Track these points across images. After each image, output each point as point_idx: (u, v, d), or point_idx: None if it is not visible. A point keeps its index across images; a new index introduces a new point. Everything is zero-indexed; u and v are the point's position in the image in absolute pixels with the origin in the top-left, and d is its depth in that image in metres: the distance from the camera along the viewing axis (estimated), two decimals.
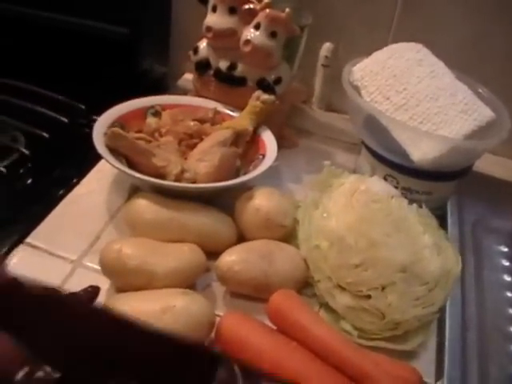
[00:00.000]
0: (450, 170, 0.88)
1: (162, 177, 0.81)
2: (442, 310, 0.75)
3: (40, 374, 0.57)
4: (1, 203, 0.86)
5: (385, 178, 0.88)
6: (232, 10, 0.94)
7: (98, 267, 0.75)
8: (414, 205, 0.81)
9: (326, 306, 0.74)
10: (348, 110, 0.99)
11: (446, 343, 0.74)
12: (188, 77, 1.20)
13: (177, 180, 0.81)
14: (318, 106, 1.16)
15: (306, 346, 0.64)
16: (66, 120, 1.03)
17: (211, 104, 0.98)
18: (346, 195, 0.79)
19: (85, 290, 0.64)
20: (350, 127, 1.04)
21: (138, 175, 0.79)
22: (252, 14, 0.93)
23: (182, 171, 0.82)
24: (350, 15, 1.09)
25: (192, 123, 0.92)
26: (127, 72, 1.12)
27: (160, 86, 1.21)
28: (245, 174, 0.86)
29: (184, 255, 0.73)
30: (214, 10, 0.95)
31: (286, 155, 0.96)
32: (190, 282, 0.74)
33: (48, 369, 0.57)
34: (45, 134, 0.99)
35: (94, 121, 1.02)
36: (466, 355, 0.74)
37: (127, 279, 0.71)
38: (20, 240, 0.80)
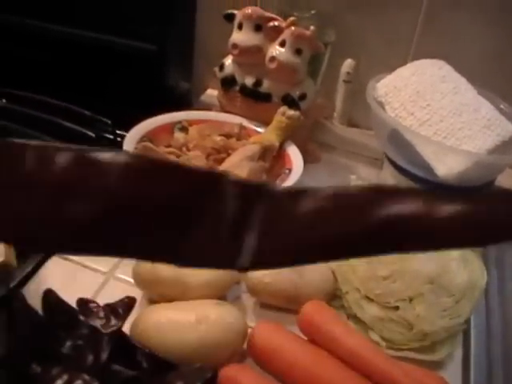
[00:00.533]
0: (474, 184, 0.89)
1: None
2: (467, 321, 0.76)
3: (79, 382, 0.59)
4: None
5: None
6: (258, 28, 0.96)
7: (130, 279, 0.76)
8: None
9: (353, 317, 0.75)
10: (372, 125, 1.00)
11: (472, 353, 0.75)
12: (211, 92, 1.22)
13: None
14: (340, 121, 1.17)
15: (338, 356, 0.65)
16: (92, 134, 1.05)
17: (237, 119, 1.00)
18: None
19: (121, 301, 0.65)
20: (372, 142, 1.06)
21: None
22: (277, 31, 0.95)
23: None
24: (371, 32, 1.11)
25: (219, 138, 0.94)
26: (153, 88, 1.13)
27: (184, 101, 1.22)
28: None
29: None
30: (240, 27, 0.97)
31: (310, 169, 0.97)
32: (221, 293, 0.75)
33: (86, 376, 0.59)
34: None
35: (121, 135, 1.04)
36: (492, 364, 0.75)
37: (161, 290, 0.72)
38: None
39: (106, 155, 0.32)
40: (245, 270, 0.32)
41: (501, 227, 0.31)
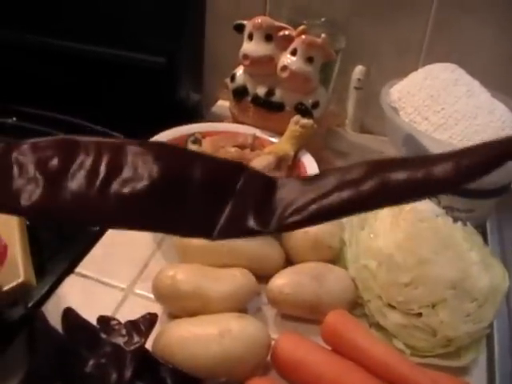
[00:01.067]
0: (491, 187, 0.88)
1: None
2: (490, 326, 0.75)
3: None
4: (48, 233, 0.86)
5: None
6: (268, 37, 0.96)
7: (149, 294, 0.76)
8: (459, 222, 0.82)
9: (376, 325, 0.74)
10: (386, 131, 1.00)
11: (496, 358, 0.74)
12: (222, 103, 1.23)
13: None
14: (352, 127, 1.17)
15: (363, 366, 0.64)
16: None
17: (250, 130, 1.00)
18: (392, 215, 0.79)
19: (143, 317, 0.65)
20: (385, 148, 1.06)
21: None
22: (288, 40, 0.94)
23: None
24: (381, 38, 1.11)
25: (233, 149, 0.93)
26: (164, 100, 1.13)
27: (195, 113, 1.22)
28: None
29: (236, 280, 0.73)
30: (251, 37, 0.97)
31: None
32: (242, 306, 0.74)
33: None
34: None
35: None
36: None
37: (182, 305, 0.72)
38: (70, 269, 0.82)
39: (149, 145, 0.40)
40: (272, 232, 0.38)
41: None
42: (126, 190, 0.39)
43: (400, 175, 0.38)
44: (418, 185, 0.38)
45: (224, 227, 0.37)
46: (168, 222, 0.39)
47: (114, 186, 0.39)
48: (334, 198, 0.37)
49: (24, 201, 0.38)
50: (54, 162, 0.40)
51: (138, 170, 0.39)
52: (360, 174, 0.38)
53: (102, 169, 0.40)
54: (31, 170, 0.40)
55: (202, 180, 0.39)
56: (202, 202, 0.38)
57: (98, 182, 0.39)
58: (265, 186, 0.39)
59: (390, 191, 0.38)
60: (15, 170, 0.40)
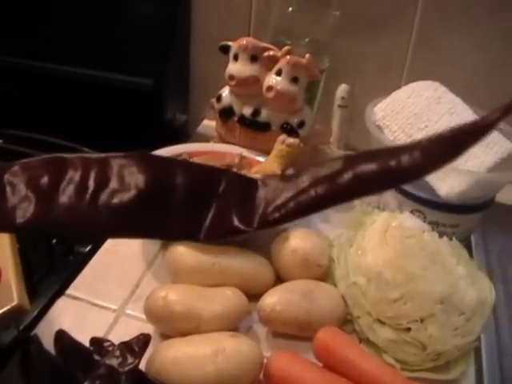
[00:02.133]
0: (477, 202, 0.90)
1: None
2: (478, 339, 0.76)
3: None
4: (38, 255, 0.86)
5: (411, 213, 0.90)
6: (253, 58, 0.97)
7: (141, 315, 0.76)
8: (445, 237, 0.83)
9: (366, 340, 0.75)
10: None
11: (484, 370, 0.76)
12: (207, 123, 1.23)
13: None
14: (337, 145, 1.18)
15: (356, 382, 0.65)
16: None
17: (237, 149, 1.01)
18: (379, 232, 0.80)
19: (136, 338, 0.65)
20: None
21: None
22: (273, 60, 0.96)
23: None
24: (364, 57, 1.12)
25: None
26: (150, 121, 1.14)
27: (181, 133, 1.23)
28: None
29: (228, 299, 0.74)
30: (236, 58, 0.98)
31: None
32: (234, 325, 0.75)
33: None
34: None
35: None
36: (505, 381, 0.76)
37: (175, 325, 0.72)
38: (61, 291, 0.82)
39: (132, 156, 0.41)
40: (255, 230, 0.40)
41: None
42: (114, 200, 0.40)
43: (372, 166, 0.39)
44: (390, 174, 0.40)
45: (210, 229, 0.39)
46: (157, 229, 0.41)
47: (103, 198, 0.40)
48: (311, 193, 0.39)
49: (19, 218, 0.40)
50: (44, 179, 0.41)
51: (125, 181, 0.41)
52: (334, 168, 0.40)
53: (91, 182, 0.41)
54: (23, 189, 0.41)
55: (186, 185, 0.41)
56: (188, 206, 0.40)
57: (87, 196, 0.40)
58: (246, 186, 0.41)
59: (364, 182, 0.40)
60: (8, 190, 0.41)
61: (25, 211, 0.40)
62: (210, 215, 0.40)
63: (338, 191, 0.40)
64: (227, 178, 0.42)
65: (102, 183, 0.41)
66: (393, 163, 0.40)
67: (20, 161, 0.44)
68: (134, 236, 0.43)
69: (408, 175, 0.41)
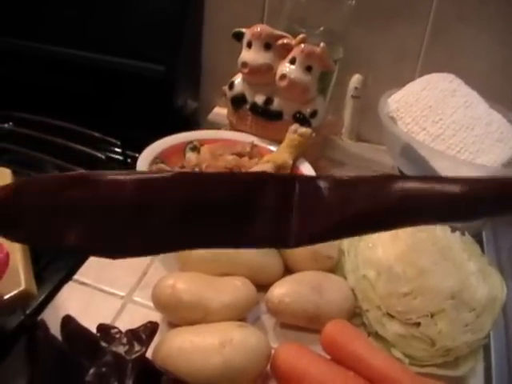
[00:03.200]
0: None
1: None
2: (487, 335, 0.75)
3: None
4: None
5: None
6: (267, 46, 0.96)
7: (148, 302, 0.76)
8: (457, 232, 0.82)
9: (374, 334, 0.74)
10: (384, 141, 1.00)
11: (493, 367, 0.75)
12: (218, 111, 1.22)
13: None
14: (349, 136, 1.17)
15: (364, 375, 0.64)
16: (101, 156, 1.04)
17: (248, 138, 1.00)
18: None
19: (144, 326, 0.64)
20: (382, 157, 1.06)
21: None
22: (287, 48, 0.95)
23: None
24: (378, 47, 1.11)
25: (231, 157, 0.93)
26: (161, 108, 1.13)
27: (192, 120, 1.23)
28: None
29: (237, 289, 0.73)
30: (249, 46, 0.97)
31: None
32: (242, 315, 0.74)
33: None
34: (82, 171, 0.99)
35: (130, 156, 1.04)
36: None
37: (182, 314, 0.72)
38: (68, 277, 0.81)
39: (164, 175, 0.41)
40: (291, 247, 0.41)
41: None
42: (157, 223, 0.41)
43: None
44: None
45: (247, 243, 0.40)
46: (196, 243, 0.42)
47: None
48: (358, 212, 0.39)
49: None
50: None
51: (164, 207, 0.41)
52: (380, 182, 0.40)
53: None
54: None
55: (224, 201, 0.40)
56: (228, 222, 0.40)
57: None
58: (285, 191, 0.41)
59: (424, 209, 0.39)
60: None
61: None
62: (248, 228, 0.40)
63: (385, 211, 0.39)
64: (265, 186, 0.41)
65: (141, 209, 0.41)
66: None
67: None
68: (176, 249, 0.46)
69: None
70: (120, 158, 1.07)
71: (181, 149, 0.96)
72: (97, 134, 1.09)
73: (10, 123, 1.13)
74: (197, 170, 0.92)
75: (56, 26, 1.15)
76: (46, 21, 1.16)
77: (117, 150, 1.09)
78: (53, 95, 1.16)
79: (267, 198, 0.40)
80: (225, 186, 0.41)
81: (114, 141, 1.09)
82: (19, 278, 0.65)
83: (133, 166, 0.88)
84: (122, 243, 0.42)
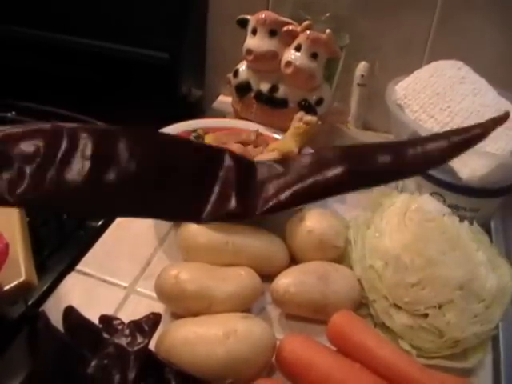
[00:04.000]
0: (498, 186, 0.87)
1: None
2: (496, 327, 0.74)
3: None
4: (48, 229, 0.85)
5: (431, 196, 0.88)
6: (272, 33, 0.95)
7: (152, 293, 0.75)
8: (466, 222, 0.81)
9: (381, 325, 0.73)
10: (391, 128, 0.99)
11: (502, 358, 0.74)
12: (223, 99, 1.22)
13: None
14: (355, 124, 1.16)
15: (371, 368, 0.63)
16: None
17: (253, 126, 0.99)
18: (398, 214, 0.78)
19: (146, 317, 0.64)
20: None
21: None
22: (292, 35, 0.94)
23: None
24: (385, 34, 1.10)
25: (235, 146, 0.92)
26: (166, 96, 1.12)
27: (196, 108, 1.22)
28: None
29: (242, 279, 0.72)
30: (254, 32, 0.96)
31: None
32: (247, 306, 0.73)
33: None
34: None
35: None
36: None
37: (186, 305, 0.71)
38: (70, 267, 0.81)
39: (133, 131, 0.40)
40: (257, 216, 0.39)
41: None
42: (111, 177, 0.39)
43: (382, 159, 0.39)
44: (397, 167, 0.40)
45: (211, 212, 0.38)
46: (157, 208, 0.40)
47: (102, 174, 0.39)
48: (310, 181, 0.39)
49: (11, 192, 0.38)
50: (38, 150, 0.39)
51: (124, 157, 0.39)
52: (332, 157, 0.40)
53: (88, 156, 0.39)
54: (17, 160, 0.39)
55: (187, 165, 0.40)
56: (189, 186, 0.39)
57: (84, 170, 0.38)
58: (246, 169, 0.41)
59: (366, 174, 0.40)
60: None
61: (18, 185, 0.38)
62: (211, 198, 0.39)
63: (335, 183, 0.39)
64: (227, 159, 0.41)
65: (100, 158, 0.39)
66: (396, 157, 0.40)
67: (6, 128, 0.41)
68: (132, 215, 0.41)
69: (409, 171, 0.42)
70: None
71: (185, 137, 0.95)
72: (100, 123, 1.08)
73: (13, 112, 1.12)
74: None
75: (59, 13, 1.14)
76: (48, 8, 1.15)
77: None
78: (55, 83, 1.15)
79: (225, 171, 0.41)
80: (188, 151, 0.41)
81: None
82: (20, 269, 0.64)
83: None
84: (65, 199, 0.39)
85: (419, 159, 0.38)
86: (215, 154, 0.40)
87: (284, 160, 0.43)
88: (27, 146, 0.39)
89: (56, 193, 0.37)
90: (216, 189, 0.39)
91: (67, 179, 0.37)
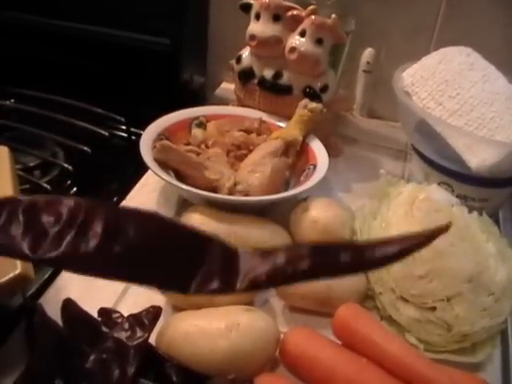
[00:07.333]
0: (508, 175, 0.86)
1: (215, 190, 0.80)
2: (505, 320, 0.73)
3: None
4: None
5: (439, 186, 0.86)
6: (276, 18, 0.93)
7: None
8: (475, 212, 0.79)
9: (388, 318, 0.72)
10: (398, 116, 0.97)
11: (511, 353, 0.72)
12: (226, 86, 1.20)
13: (230, 193, 0.80)
14: (360, 112, 1.15)
15: (377, 362, 0.62)
16: (105, 133, 1.02)
17: (256, 114, 0.98)
18: (405, 204, 0.77)
19: (146, 311, 0.62)
20: (394, 133, 1.04)
21: (195, 190, 0.78)
22: (297, 20, 0.92)
23: (235, 184, 0.80)
24: (392, 21, 1.09)
25: (238, 134, 0.91)
26: (167, 83, 1.11)
27: (198, 96, 1.21)
28: (295, 184, 0.85)
29: None
30: (258, 17, 0.94)
31: (332, 164, 0.93)
32: (249, 298, 0.72)
33: None
34: (85, 148, 0.97)
35: (134, 133, 1.01)
36: None
37: (188, 297, 0.69)
38: None
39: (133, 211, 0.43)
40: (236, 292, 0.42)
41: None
42: (118, 250, 0.41)
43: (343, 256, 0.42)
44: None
45: (196, 288, 0.41)
46: (151, 278, 0.43)
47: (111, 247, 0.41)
48: (288, 270, 0.41)
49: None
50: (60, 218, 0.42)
51: (129, 236, 0.42)
52: (305, 253, 0.42)
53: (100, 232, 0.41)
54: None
55: (179, 249, 0.42)
56: (179, 266, 0.42)
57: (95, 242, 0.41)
58: (230, 255, 0.43)
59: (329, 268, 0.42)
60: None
61: (40, 246, 0.40)
62: (198, 279, 0.41)
63: (310, 273, 0.42)
64: (215, 245, 0.43)
65: (110, 232, 0.41)
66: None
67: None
68: (130, 281, 0.44)
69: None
70: (124, 135, 1.06)
71: (186, 125, 0.94)
72: (100, 111, 1.07)
73: (12, 100, 1.11)
74: (203, 146, 0.89)
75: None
76: None
77: (121, 126, 1.07)
78: (55, 70, 1.14)
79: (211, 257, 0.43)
80: (182, 235, 0.43)
81: (117, 117, 1.07)
82: (15, 261, 0.62)
83: (137, 142, 0.84)
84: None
85: (374, 259, 0.41)
86: (206, 240, 0.43)
87: (264, 251, 0.44)
88: (52, 214, 0.41)
89: (70, 258, 0.40)
90: (202, 270, 0.41)
91: (81, 247, 0.40)
